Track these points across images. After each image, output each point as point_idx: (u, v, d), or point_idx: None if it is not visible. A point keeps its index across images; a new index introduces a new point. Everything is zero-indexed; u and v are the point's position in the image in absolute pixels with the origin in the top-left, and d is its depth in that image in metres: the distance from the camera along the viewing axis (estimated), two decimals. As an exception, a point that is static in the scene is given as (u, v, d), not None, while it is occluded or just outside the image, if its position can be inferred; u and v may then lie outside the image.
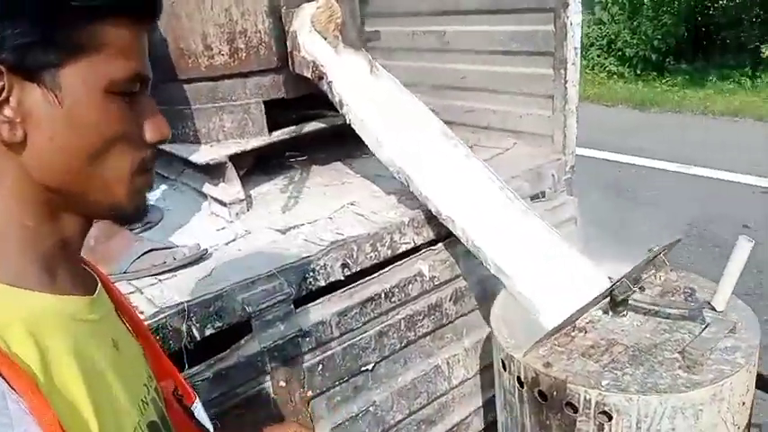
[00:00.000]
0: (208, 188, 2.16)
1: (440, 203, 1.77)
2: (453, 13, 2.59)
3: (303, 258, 1.67)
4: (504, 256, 1.65)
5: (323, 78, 2.14)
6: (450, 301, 1.95)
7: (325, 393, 1.71)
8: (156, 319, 1.42)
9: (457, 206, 1.76)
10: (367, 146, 2.04)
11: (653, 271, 1.60)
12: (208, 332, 1.50)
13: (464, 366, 2.03)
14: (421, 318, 1.88)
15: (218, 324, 1.52)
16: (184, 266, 1.71)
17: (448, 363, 1.98)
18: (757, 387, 1.41)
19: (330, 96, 2.11)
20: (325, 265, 1.70)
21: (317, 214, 2.01)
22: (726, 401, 1.29)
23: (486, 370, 2.08)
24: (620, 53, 9.96)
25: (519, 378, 1.41)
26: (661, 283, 1.66)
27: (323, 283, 1.70)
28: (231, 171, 2.16)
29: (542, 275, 1.63)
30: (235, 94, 2.27)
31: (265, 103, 2.30)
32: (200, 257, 1.74)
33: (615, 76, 9.77)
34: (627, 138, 6.56)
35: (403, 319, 1.84)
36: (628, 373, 1.31)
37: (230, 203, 2.07)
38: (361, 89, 2.10)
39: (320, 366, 1.67)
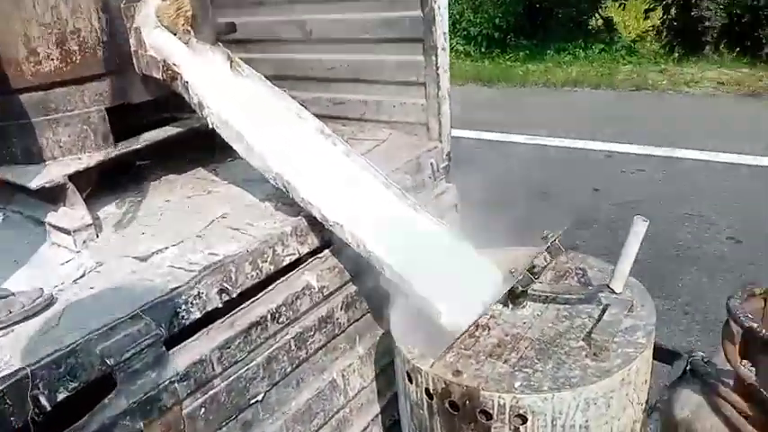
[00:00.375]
0: (46, 215, 1.84)
1: (325, 209, 1.63)
2: (314, 1, 2.43)
3: (171, 290, 1.45)
4: (399, 259, 1.54)
5: (177, 79, 1.89)
6: (341, 309, 1.82)
7: (213, 437, 1.51)
8: (-9, 393, 1.14)
9: (343, 210, 1.63)
10: (233, 149, 1.84)
11: (551, 260, 1.57)
12: (61, 397, 1.24)
13: (360, 375, 1.91)
14: (312, 333, 1.73)
15: (72, 385, 1.26)
16: (24, 319, 1.41)
17: (343, 375, 1.85)
18: (654, 359, 1.43)
19: (187, 98, 1.87)
20: (199, 293, 1.48)
21: (182, 233, 1.78)
22: (632, 384, 1.29)
23: (381, 374, 1.98)
24: (465, 32, 10.29)
25: (427, 390, 1.32)
26: (552, 267, 1.65)
27: (198, 315, 1.49)
28: (73, 193, 1.85)
29: (439, 276, 1.54)
30: (70, 103, 1.95)
31: (108, 110, 2.00)
32: (46, 306, 1.45)
33: (463, 56, 10.10)
34: (478, 114, 6.77)
35: (293, 338, 1.67)
36: (538, 370, 1.26)
37: (75, 231, 1.77)
38: (222, 88, 1.88)
39: (203, 410, 1.47)
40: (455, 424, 1.29)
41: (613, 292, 1.37)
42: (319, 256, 1.79)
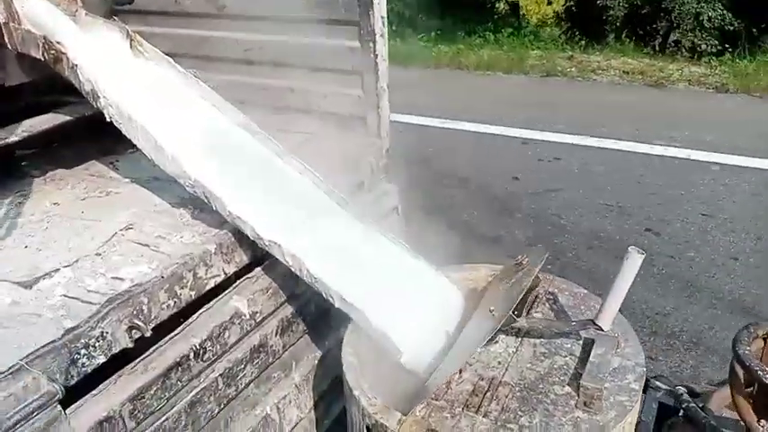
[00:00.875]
0: None
1: (258, 226, 1.36)
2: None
3: (67, 331, 1.14)
4: (350, 286, 1.32)
5: (61, 61, 1.54)
6: (276, 335, 1.57)
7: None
8: None
9: (280, 226, 1.37)
10: None
11: (527, 293, 1.38)
12: None
13: (296, 405, 1.68)
14: (243, 367, 1.48)
15: (-68, 472, 0.95)
16: None
17: (278, 408, 1.61)
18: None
19: (77, 84, 1.53)
20: (103, 333, 1.19)
21: (77, 250, 1.45)
22: (625, 432, 1.16)
23: (320, 401, 1.77)
24: (376, 9, 10.02)
25: (393, 449, 1.12)
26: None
27: (102, 360, 1.20)
28: (-71, 198, 1.47)
29: (395, 302, 1.34)
30: None
31: (-25, 92, 1.62)
32: None
33: (373, 33, 9.84)
34: (391, 95, 6.59)
35: (220, 375, 1.42)
36: (525, 426, 1.09)
37: (-67, 246, 1.40)
38: (120, 73, 1.56)
39: (113, 476, 1.19)
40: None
41: (600, 329, 1.22)
42: (249, 275, 1.53)
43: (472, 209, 4.07)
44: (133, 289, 1.26)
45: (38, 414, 1.06)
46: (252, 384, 1.54)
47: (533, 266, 1.31)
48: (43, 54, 1.55)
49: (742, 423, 1.12)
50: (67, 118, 1.79)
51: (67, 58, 1.51)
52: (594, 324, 1.22)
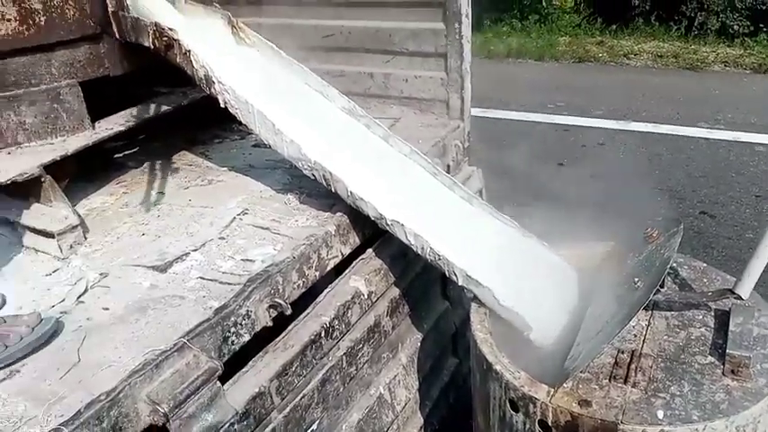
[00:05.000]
0: (21, 214, 1.49)
1: (380, 205, 1.38)
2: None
3: (218, 311, 1.18)
4: (475, 264, 1.34)
5: (173, 47, 1.57)
6: (387, 316, 1.60)
7: (268, 479, 1.27)
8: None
9: (401, 206, 1.40)
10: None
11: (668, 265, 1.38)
12: (103, 460, 0.96)
13: (404, 386, 1.71)
14: (361, 346, 1.51)
15: (117, 443, 0.99)
16: (28, 355, 1.11)
17: (389, 388, 1.64)
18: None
19: (190, 71, 1.56)
20: (248, 312, 1.22)
21: (198, 235, 1.49)
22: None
23: (424, 382, 1.79)
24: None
25: (543, 422, 1.13)
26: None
27: (248, 337, 1.23)
28: (52, 186, 1.52)
29: (517, 281, 1.36)
30: (35, 76, 1.59)
31: (82, 84, 1.65)
32: (52, 335, 1.15)
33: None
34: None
35: (344, 354, 1.44)
36: (676, 395, 1.11)
37: (60, 234, 1.44)
38: (230, 59, 1.58)
39: (261, 451, 1.23)
40: (576, 457, 1.12)
41: (739, 297, 1.23)
42: (363, 257, 1.55)
43: (521, 196, 4.08)
44: (270, 269, 1.29)
45: (202, 389, 1.09)
46: (366, 364, 1.56)
47: (670, 238, 1.32)
48: (154, 41, 1.58)
49: None
50: (166, 108, 1.82)
51: (180, 45, 1.54)
52: (733, 293, 1.23)
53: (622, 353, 1.21)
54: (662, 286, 1.31)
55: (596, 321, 1.25)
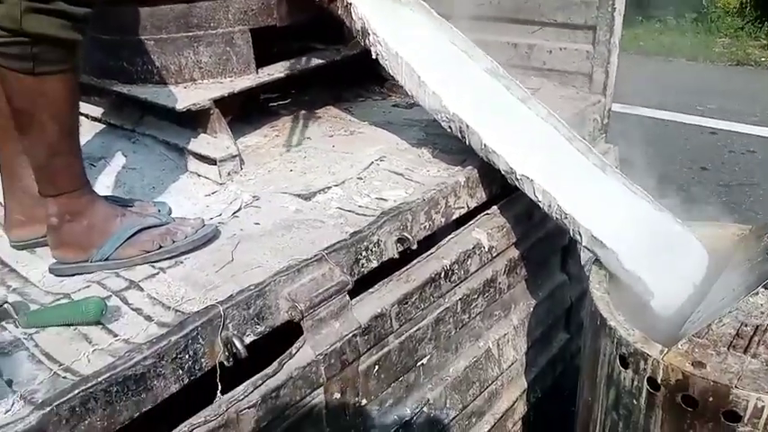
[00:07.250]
0: (184, 141, 1.69)
1: (512, 159, 1.43)
2: None
3: (352, 235, 1.29)
4: (603, 226, 1.35)
5: (335, 0, 1.70)
6: (503, 274, 1.65)
7: (378, 398, 1.38)
8: (186, 331, 1.01)
9: (532, 162, 1.44)
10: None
11: None
12: (248, 341, 1.11)
13: (513, 346, 1.75)
14: (476, 297, 1.57)
15: (260, 329, 1.13)
16: (191, 250, 1.28)
17: (498, 344, 1.70)
18: None
19: (348, 23, 1.69)
20: (378, 241, 1.33)
21: (339, 174, 1.62)
22: None
23: (532, 348, 1.82)
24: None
25: (651, 379, 1.14)
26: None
27: (375, 264, 1.34)
28: (218, 119, 1.71)
29: (644, 248, 1.35)
30: (214, 20, 1.78)
31: (252, 32, 1.83)
32: (212, 237, 1.32)
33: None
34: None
35: (460, 299, 1.52)
36: (803, 371, 1.08)
37: (221, 161, 1.63)
38: (383, 15, 1.69)
39: (376, 368, 1.33)
40: (686, 421, 1.12)
41: None
42: (488, 212, 1.61)
43: (658, 198, 3.90)
44: (401, 206, 1.39)
45: (333, 298, 1.21)
46: (479, 316, 1.63)
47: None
48: (320, -7, 1.72)
49: None
50: (319, 62, 1.97)
51: (342, -4, 1.66)
52: None
53: (746, 326, 1.18)
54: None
55: (722, 292, 1.22)
